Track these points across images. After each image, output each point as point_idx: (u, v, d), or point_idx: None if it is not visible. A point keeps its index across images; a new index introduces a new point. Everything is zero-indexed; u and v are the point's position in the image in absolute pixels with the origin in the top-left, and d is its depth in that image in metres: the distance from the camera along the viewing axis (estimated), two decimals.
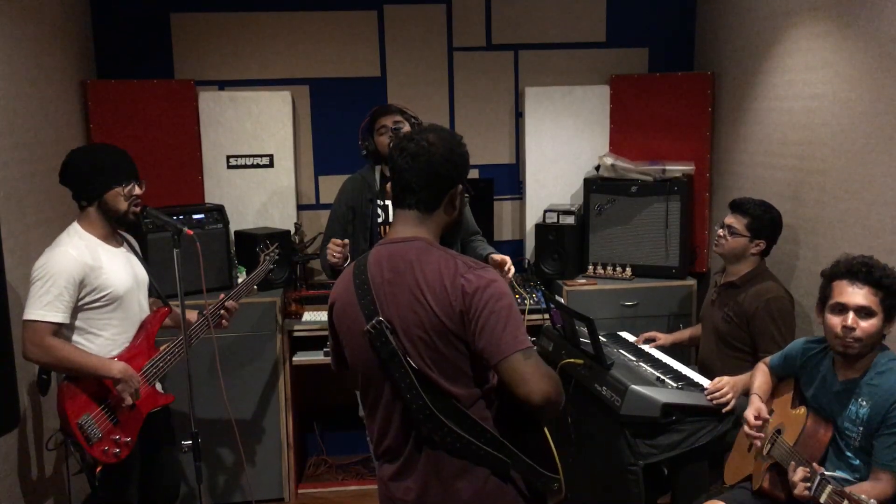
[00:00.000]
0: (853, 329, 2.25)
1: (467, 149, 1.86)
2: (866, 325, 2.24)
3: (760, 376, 2.65)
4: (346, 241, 3.00)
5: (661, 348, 3.33)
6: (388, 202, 3.26)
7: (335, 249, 2.97)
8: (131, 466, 2.67)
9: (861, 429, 2.27)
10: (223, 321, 2.90)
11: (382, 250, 1.81)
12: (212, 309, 2.85)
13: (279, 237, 3.70)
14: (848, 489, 2.06)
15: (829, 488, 2.06)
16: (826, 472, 2.16)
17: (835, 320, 2.30)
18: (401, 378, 1.74)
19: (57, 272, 2.49)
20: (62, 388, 2.57)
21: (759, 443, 2.47)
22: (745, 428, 2.48)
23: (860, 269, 2.27)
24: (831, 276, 2.35)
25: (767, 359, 2.69)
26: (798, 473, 2.18)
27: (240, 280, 3.35)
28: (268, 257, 3.26)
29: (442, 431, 1.74)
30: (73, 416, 2.53)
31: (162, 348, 2.75)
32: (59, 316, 2.50)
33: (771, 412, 2.58)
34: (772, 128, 3.46)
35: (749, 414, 2.48)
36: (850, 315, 2.26)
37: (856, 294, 2.26)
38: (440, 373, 1.74)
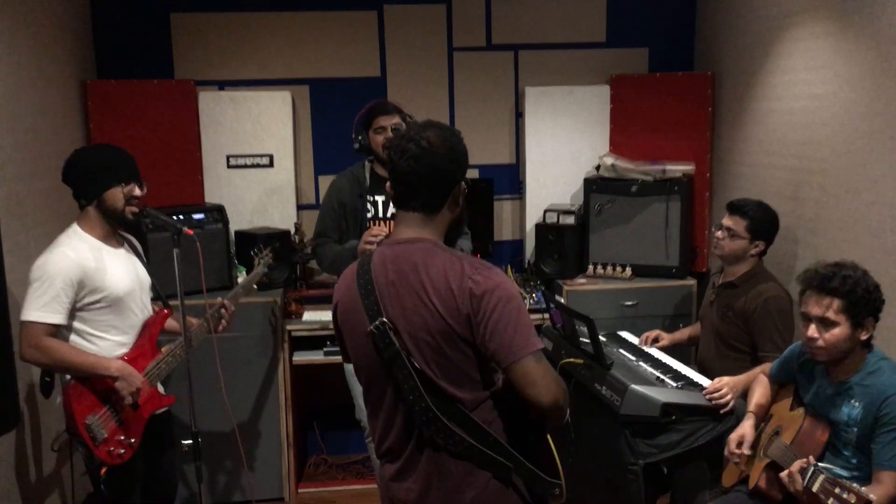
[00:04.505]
0: (815, 339, 2.28)
1: (465, 144, 1.84)
2: (829, 335, 2.26)
3: (759, 389, 2.65)
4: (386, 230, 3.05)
5: (661, 348, 3.33)
6: (378, 197, 3.28)
7: (374, 237, 3.01)
8: (135, 468, 2.67)
9: (856, 429, 2.27)
10: (223, 321, 2.90)
11: (387, 251, 1.80)
12: (211, 312, 2.85)
13: (279, 237, 3.71)
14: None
15: (821, 477, 2.06)
16: (820, 464, 2.16)
17: (803, 329, 2.33)
18: (404, 380, 1.73)
19: (54, 273, 2.48)
20: (69, 388, 2.56)
21: (738, 465, 2.50)
22: (726, 449, 2.51)
23: (815, 281, 2.29)
24: (802, 286, 2.37)
25: (767, 367, 2.70)
26: (794, 466, 2.19)
27: (239, 280, 3.35)
28: (262, 261, 3.26)
29: (444, 434, 1.74)
30: (81, 417, 2.52)
31: (164, 350, 2.74)
32: (57, 317, 2.49)
33: (770, 416, 2.59)
34: (772, 128, 3.46)
35: (733, 438, 2.50)
36: (812, 326, 2.29)
37: (817, 305, 2.28)
38: (443, 376, 1.73)
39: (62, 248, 2.55)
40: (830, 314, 2.25)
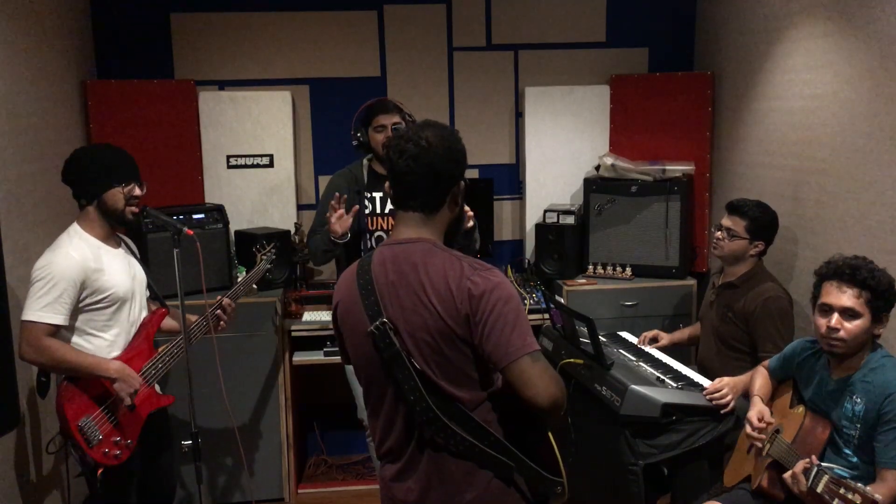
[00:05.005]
0: (837, 330, 2.27)
1: (463, 143, 1.84)
2: (851, 326, 2.26)
3: (760, 379, 2.65)
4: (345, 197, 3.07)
5: (661, 348, 3.33)
6: (376, 194, 3.29)
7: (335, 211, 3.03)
8: (132, 469, 2.67)
9: (859, 426, 2.27)
10: (221, 322, 2.89)
11: (386, 251, 1.81)
12: (210, 311, 2.85)
13: (279, 237, 3.70)
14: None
15: (825, 478, 2.06)
16: (823, 464, 2.16)
17: (821, 321, 2.33)
18: (404, 380, 1.73)
19: (58, 273, 2.48)
20: (61, 389, 2.56)
21: (760, 444, 2.47)
22: (748, 429, 2.48)
23: (845, 271, 2.28)
24: (821, 276, 2.37)
25: (766, 362, 2.70)
26: (797, 466, 2.18)
27: (239, 280, 3.35)
28: (264, 257, 3.25)
29: (445, 434, 1.74)
30: (73, 419, 2.52)
31: (161, 349, 2.74)
32: (58, 318, 2.49)
33: (770, 413, 2.58)
34: (772, 128, 3.46)
35: (752, 415, 2.49)
36: (835, 316, 2.28)
37: (841, 295, 2.28)
38: (443, 376, 1.74)
39: (65, 248, 2.55)
40: (857, 305, 2.25)
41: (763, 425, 2.45)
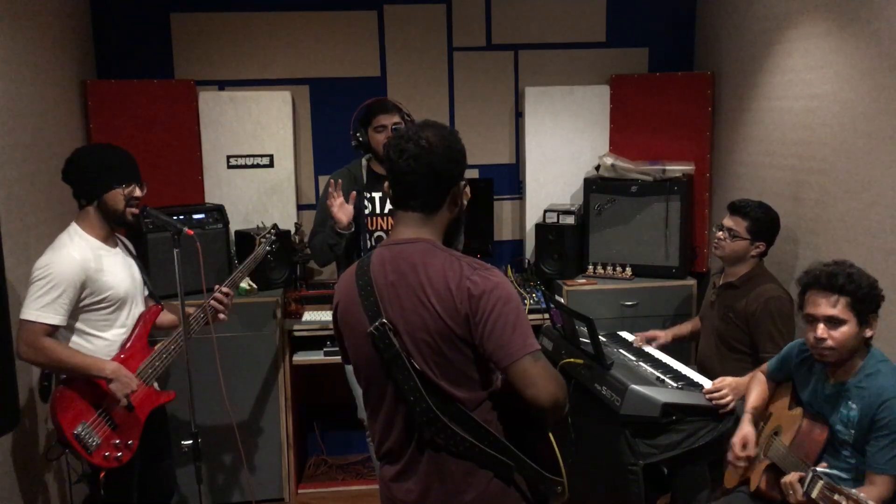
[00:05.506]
0: (825, 339, 2.25)
1: (463, 143, 1.84)
2: (837, 333, 2.24)
3: (756, 389, 2.63)
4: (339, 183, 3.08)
5: (663, 346, 3.32)
6: (375, 194, 3.28)
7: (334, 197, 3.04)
8: (133, 468, 2.66)
9: (853, 431, 2.27)
10: (220, 314, 2.87)
11: (385, 252, 1.81)
12: (206, 301, 2.82)
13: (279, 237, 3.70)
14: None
15: (820, 483, 2.06)
16: (818, 469, 2.16)
17: (808, 331, 2.31)
18: (404, 380, 1.73)
19: (59, 274, 2.48)
20: (55, 397, 2.54)
21: (738, 469, 2.47)
22: (729, 455, 2.48)
23: (821, 278, 2.26)
24: (802, 286, 2.35)
25: (765, 366, 2.69)
26: (793, 476, 2.18)
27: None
28: (263, 240, 3.20)
29: (445, 434, 1.74)
30: (69, 427, 2.50)
31: (157, 347, 2.73)
32: (57, 319, 2.49)
33: (769, 415, 2.58)
34: (772, 128, 3.46)
35: (737, 441, 2.48)
36: (820, 326, 2.26)
37: (822, 304, 2.25)
38: (443, 376, 1.74)
39: (67, 249, 2.55)
40: (839, 312, 2.23)
41: (744, 455, 2.44)
